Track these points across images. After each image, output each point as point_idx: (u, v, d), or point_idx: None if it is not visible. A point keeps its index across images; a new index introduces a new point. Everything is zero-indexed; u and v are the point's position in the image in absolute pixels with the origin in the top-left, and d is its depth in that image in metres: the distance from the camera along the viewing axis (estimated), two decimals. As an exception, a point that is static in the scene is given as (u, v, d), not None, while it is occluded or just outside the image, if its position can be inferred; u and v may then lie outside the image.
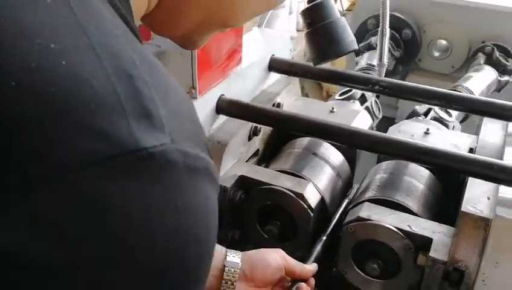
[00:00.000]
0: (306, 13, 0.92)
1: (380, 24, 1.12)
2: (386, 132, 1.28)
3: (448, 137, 1.24)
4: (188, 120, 0.36)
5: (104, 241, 0.30)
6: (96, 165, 0.29)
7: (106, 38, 0.33)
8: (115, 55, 0.33)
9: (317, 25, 0.91)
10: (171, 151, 0.31)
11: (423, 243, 0.97)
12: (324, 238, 1.06)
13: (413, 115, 1.42)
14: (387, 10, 1.11)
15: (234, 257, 0.89)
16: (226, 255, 0.90)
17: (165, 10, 0.51)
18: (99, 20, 0.34)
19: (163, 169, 0.31)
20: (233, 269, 0.88)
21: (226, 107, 1.12)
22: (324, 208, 1.12)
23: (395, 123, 1.43)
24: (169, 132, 0.32)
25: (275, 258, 0.91)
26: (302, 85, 2.83)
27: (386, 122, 1.54)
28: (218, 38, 1.08)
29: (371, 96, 1.43)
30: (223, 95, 1.14)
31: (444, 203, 1.14)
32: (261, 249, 0.94)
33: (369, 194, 1.11)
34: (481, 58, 1.83)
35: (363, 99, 1.41)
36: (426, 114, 1.39)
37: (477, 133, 1.25)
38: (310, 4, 0.91)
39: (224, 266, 0.88)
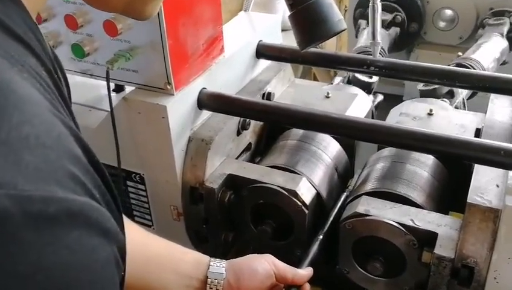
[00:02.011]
0: None
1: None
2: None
3: (453, 117, 1.14)
4: (38, 149, 0.27)
5: None
6: None
7: None
8: None
9: (301, 6, 0.82)
10: None
11: (428, 238, 0.88)
12: (321, 237, 0.98)
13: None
14: (377, -17, 1.00)
15: (218, 267, 0.82)
16: (210, 265, 0.82)
17: None
18: None
19: None
20: (216, 280, 0.81)
21: (207, 101, 1.03)
22: (321, 204, 1.04)
23: (403, 101, 1.33)
24: None
25: (263, 265, 0.84)
26: (309, 66, 2.73)
27: (392, 101, 1.45)
28: (193, 28, 0.99)
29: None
30: (204, 88, 1.06)
31: (453, 191, 1.05)
32: (249, 255, 0.87)
33: (369, 187, 1.02)
34: (490, 26, 1.71)
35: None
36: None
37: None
38: None
39: (207, 277, 0.81)
